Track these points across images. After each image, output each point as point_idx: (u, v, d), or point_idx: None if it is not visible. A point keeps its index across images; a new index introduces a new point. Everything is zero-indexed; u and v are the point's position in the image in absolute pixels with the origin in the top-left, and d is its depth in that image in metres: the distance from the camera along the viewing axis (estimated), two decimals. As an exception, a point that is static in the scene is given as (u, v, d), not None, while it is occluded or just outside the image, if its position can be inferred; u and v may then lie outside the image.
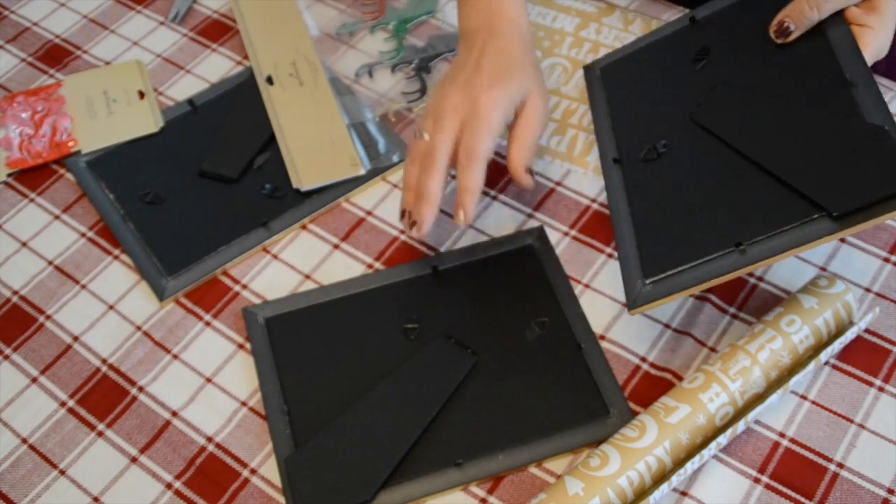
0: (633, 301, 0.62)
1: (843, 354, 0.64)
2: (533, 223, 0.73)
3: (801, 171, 0.59)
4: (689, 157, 0.65)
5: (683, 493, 0.59)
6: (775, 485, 0.60)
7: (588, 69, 0.78)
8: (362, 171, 0.76)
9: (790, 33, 0.61)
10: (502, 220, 0.73)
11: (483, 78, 0.66)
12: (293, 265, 0.72)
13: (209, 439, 0.64)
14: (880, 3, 0.62)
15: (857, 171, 0.57)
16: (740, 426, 0.59)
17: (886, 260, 0.69)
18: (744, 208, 0.60)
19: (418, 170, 0.66)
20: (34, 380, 0.68)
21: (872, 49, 0.62)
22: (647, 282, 0.62)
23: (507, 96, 0.66)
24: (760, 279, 0.68)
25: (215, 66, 0.86)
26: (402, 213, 0.67)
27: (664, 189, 0.65)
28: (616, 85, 0.74)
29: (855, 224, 0.55)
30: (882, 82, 0.78)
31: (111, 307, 0.71)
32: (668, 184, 0.65)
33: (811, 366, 0.60)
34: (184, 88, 0.85)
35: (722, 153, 0.63)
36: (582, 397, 0.63)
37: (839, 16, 0.63)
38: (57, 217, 0.77)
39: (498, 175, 0.76)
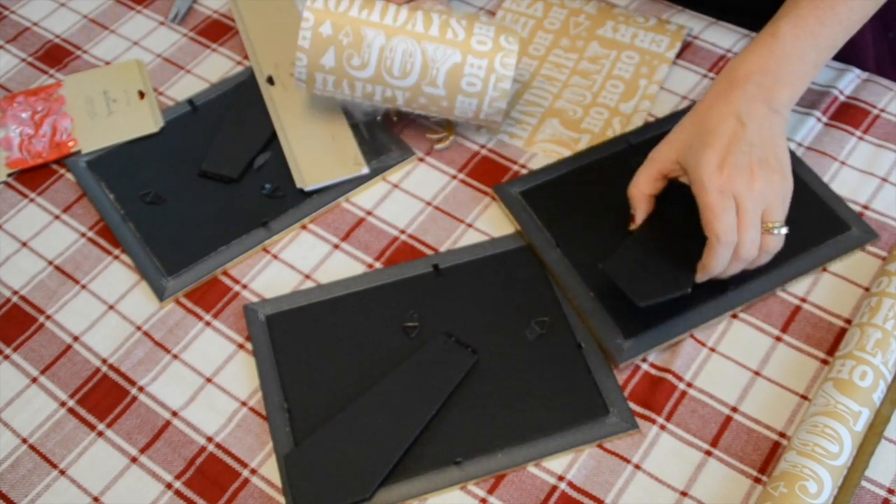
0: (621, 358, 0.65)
1: (844, 354, 0.64)
2: (533, 223, 0.73)
3: None
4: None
5: (683, 494, 0.59)
6: (775, 484, 0.59)
7: (501, 189, 0.74)
8: (366, 171, 0.76)
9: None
10: (503, 220, 0.73)
11: (773, 162, 0.64)
12: (293, 265, 0.72)
13: (209, 439, 0.64)
14: None
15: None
16: None
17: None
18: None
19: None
20: (34, 380, 0.68)
21: None
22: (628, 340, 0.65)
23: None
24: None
25: (215, 66, 0.86)
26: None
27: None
28: (542, 207, 0.72)
29: None
30: (881, 82, 0.78)
31: (111, 307, 0.71)
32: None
33: None
34: (184, 88, 0.85)
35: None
36: (582, 397, 0.63)
37: None
38: (57, 217, 0.77)
39: (498, 175, 0.76)
